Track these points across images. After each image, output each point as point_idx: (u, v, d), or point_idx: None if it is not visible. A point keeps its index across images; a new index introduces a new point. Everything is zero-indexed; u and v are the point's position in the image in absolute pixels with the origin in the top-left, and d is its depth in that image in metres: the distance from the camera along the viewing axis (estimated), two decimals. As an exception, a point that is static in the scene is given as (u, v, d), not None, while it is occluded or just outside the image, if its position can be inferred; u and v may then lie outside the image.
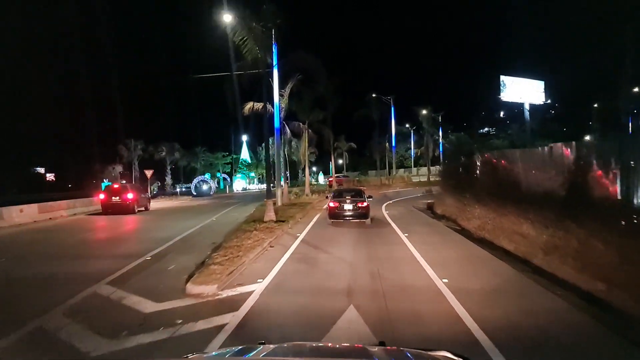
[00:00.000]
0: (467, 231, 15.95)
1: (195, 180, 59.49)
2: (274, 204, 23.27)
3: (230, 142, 77.15)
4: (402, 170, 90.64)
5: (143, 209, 29.90)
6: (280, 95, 26.89)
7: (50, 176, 70.83)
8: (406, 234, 15.50)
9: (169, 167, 69.19)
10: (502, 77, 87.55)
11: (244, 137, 74.66)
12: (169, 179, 68.55)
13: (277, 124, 27.06)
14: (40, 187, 59.19)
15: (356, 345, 3.54)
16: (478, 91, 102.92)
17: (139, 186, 33.07)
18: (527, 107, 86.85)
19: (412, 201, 30.36)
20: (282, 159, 32.65)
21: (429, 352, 2.62)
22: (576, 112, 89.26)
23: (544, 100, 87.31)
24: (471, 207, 17.35)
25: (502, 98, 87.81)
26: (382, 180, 48.24)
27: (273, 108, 25.46)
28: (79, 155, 63.05)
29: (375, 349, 2.81)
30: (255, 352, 2.64)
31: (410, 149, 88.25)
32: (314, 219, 21.41)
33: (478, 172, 19.41)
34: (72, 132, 61.44)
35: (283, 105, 27.14)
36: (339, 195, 18.77)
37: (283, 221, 18.71)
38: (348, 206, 17.02)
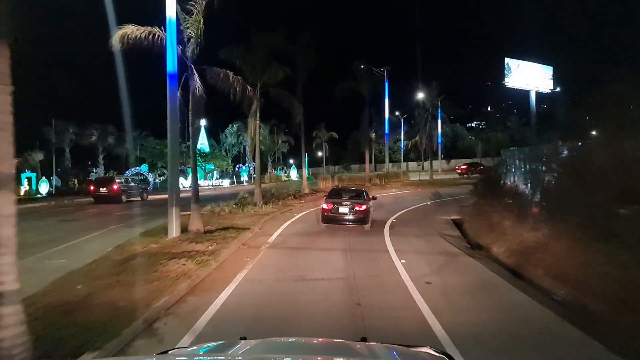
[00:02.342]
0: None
1: (127, 174, 46.68)
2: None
3: (185, 127, 64.30)
4: (390, 165, 79.11)
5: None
6: (186, 10, 12.94)
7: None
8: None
9: (101, 156, 56.00)
10: (507, 60, 76.87)
11: (202, 122, 61.94)
12: (101, 171, 55.49)
13: (170, 66, 13.24)
14: None
15: (338, 340, 3.18)
16: (477, 76, 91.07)
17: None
18: (533, 95, 75.84)
19: (442, 225, 18.23)
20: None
21: (411, 348, 2.66)
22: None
23: (551, 88, 77.14)
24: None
25: (506, 84, 76.76)
26: (371, 178, 36.43)
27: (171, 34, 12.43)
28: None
29: (358, 344, 2.79)
30: (236, 347, 2.60)
31: (400, 140, 76.45)
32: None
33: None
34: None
35: (192, 34, 12.80)
36: (335, 196, 16.05)
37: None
38: (344, 209, 14.68)
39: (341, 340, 3.10)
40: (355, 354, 2.63)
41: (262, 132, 69.58)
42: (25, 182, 46.17)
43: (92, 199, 29.95)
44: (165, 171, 55.92)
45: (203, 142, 62.33)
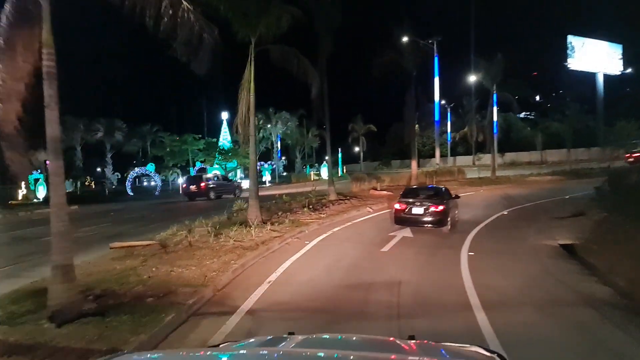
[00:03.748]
0: None
1: (130, 175, 40.42)
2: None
3: (203, 120, 57.59)
4: (434, 160, 71.04)
5: None
6: None
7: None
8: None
9: (109, 154, 50.13)
10: (570, 38, 67.56)
11: (224, 115, 55.24)
12: (108, 171, 49.71)
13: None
14: None
15: (386, 338, 3.21)
16: (533, 59, 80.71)
17: None
18: (600, 78, 65.77)
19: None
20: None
21: (460, 346, 2.62)
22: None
23: (621, 69, 67.37)
24: None
25: (568, 65, 67.50)
26: (418, 177, 28.25)
27: None
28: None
29: (406, 342, 2.72)
30: (284, 342, 2.62)
31: (446, 132, 68.21)
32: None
33: None
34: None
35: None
36: (409, 195, 14.75)
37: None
38: (418, 209, 13.57)
39: (389, 338, 3.10)
40: (403, 351, 2.57)
41: (289, 125, 62.83)
42: (35, 185, 40.81)
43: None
44: (177, 171, 49.76)
45: (225, 137, 55.71)
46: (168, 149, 50.49)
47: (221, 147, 50.79)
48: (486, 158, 67.59)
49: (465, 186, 29.39)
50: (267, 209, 17.01)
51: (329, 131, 22.41)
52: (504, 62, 34.04)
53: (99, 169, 50.57)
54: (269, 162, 52.90)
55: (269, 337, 2.93)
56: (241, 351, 2.67)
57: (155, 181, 41.05)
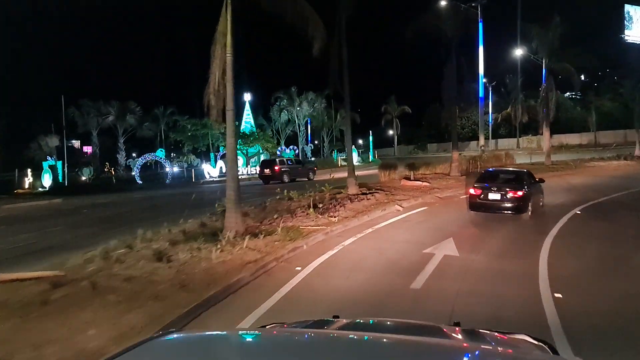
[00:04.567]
0: None
1: (138, 162, 37.05)
2: None
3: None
4: (473, 143, 66.33)
5: None
6: None
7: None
8: None
9: (122, 139, 46.87)
10: (627, 7, 61.70)
11: (247, 96, 51.01)
12: (121, 157, 46.53)
13: None
14: None
15: (431, 324, 2.99)
16: (585, 30, 73.30)
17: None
18: (660, 51, 59.48)
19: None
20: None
21: (507, 334, 2.58)
22: None
23: (684, 40, 60.91)
24: None
25: (625, 38, 61.32)
26: (460, 163, 23.35)
27: None
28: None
29: (452, 328, 2.71)
30: (330, 325, 2.67)
31: (488, 113, 63.13)
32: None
33: None
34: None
35: None
36: (486, 179, 13.98)
37: None
38: (494, 195, 12.78)
39: (434, 324, 2.93)
40: (448, 336, 2.53)
41: (315, 106, 58.43)
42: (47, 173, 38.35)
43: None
44: (192, 156, 46.28)
45: (248, 120, 51.82)
46: (190, 133, 47.25)
47: (242, 132, 46.91)
48: (531, 140, 62.15)
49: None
50: (262, 208, 13.06)
51: (349, 104, 17.94)
52: (562, 27, 28.70)
53: (118, 156, 47.75)
54: (292, 147, 48.73)
55: (313, 320, 2.86)
56: (286, 332, 2.65)
57: (167, 168, 37.64)
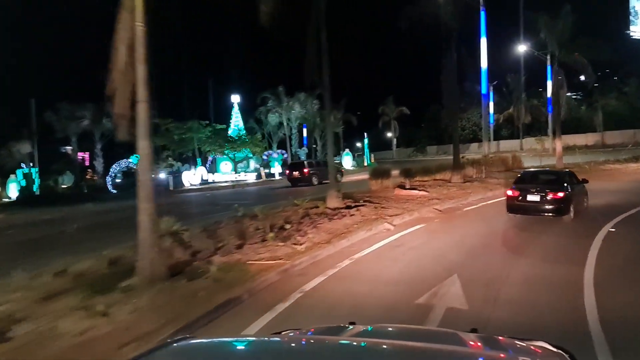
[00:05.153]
0: None
1: (113, 169, 34.24)
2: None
3: (208, 104, 50.61)
4: (475, 145, 64.00)
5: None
6: None
7: None
8: None
9: (98, 145, 43.77)
10: (632, 2, 59.57)
11: (235, 98, 47.99)
12: (98, 164, 43.58)
13: None
14: None
15: (448, 330, 3.03)
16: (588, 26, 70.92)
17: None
18: (666, 46, 57.58)
19: None
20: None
21: (526, 341, 2.42)
22: None
23: (693, 38, 58.81)
24: None
25: (631, 34, 59.10)
26: (463, 166, 20.41)
27: None
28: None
29: (469, 335, 2.59)
30: (345, 331, 2.62)
31: (489, 113, 60.28)
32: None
33: None
34: None
35: None
36: (525, 180, 13.72)
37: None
38: (533, 196, 12.37)
39: (450, 330, 2.91)
40: (464, 343, 2.45)
41: (307, 107, 55.39)
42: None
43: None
44: (172, 162, 43.35)
45: (237, 123, 48.92)
46: (175, 137, 44.44)
47: (230, 136, 44.06)
48: (532, 142, 59.37)
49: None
50: (213, 231, 10.18)
51: (329, 99, 14.93)
52: (573, 16, 25.82)
53: (95, 162, 44.82)
54: (280, 151, 45.73)
55: (329, 326, 2.86)
56: (301, 339, 2.60)
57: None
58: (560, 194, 11.96)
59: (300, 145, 57.46)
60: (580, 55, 26.52)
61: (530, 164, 27.93)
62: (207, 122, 45.57)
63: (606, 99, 58.53)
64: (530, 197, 12.37)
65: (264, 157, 43.05)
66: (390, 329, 3.06)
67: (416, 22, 20.63)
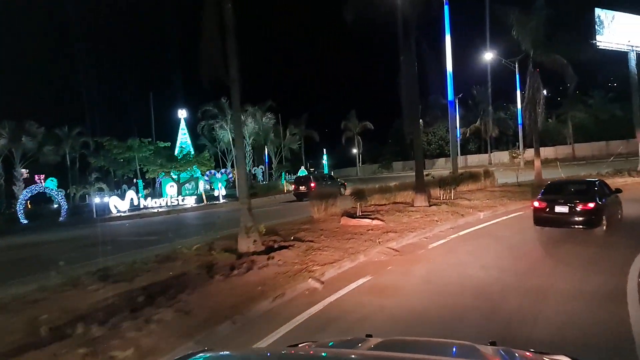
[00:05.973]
0: None
1: (23, 195, 29.23)
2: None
3: (149, 121, 45.72)
4: (442, 160, 61.66)
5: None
6: None
7: None
8: None
9: (19, 166, 38.59)
10: (597, 11, 57.85)
11: (182, 113, 43.45)
12: (17, 189, 38.30)
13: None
14: None
15: (465, 342, 2.89)
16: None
17: None
18: (633, 58, 55.69)
19: None
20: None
21: (545, 355, 2.47)
22: None
23: (658, 47, 57.53)
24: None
25: (597, 43, 57.10)
26: (426, 185, 16.86)
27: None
28: None
29: (486, 347, 2.60)
30: (362, 344, 2.61)
31: (456, 127, 57.54)
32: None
33: None
34: None
35: None
36: (553, 191, 12.98)
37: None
38: (562, 208, 11.91)
39: (468, 343, 2.84)
40: (482, 356, 2.48)
41: (258, 120, 50.98)
42: None
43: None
44: (102, 186, 38.40)
45: (184, 140, 44.35)
46: (114, 157, 39.64)
47: (177, 154, 39.37)
48: (501, 155, 56.97)
49: (504, 199, 18.20)
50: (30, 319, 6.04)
51: (238, 98, 10.75)
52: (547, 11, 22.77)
53: (15, 187, 39.30)
54: (223, 170, 41.33)
55: (346, 339, 2.89)
56: (318, 352, 2.63)
57: (59, 202, 29.81)
58: (591, 205, 11.41)
59: (258, 164, 53.27)
60: (559, 55, 23.52)
61: (506, 180, 24.47)
62: (150, 139, 40.93)
63: (574, 111, 56.76)
64: (558, 209, 11.91)
65: (206, 178, 38.55)
66: (408, 341, 3.08)
67: (363, 11, 16.94)
